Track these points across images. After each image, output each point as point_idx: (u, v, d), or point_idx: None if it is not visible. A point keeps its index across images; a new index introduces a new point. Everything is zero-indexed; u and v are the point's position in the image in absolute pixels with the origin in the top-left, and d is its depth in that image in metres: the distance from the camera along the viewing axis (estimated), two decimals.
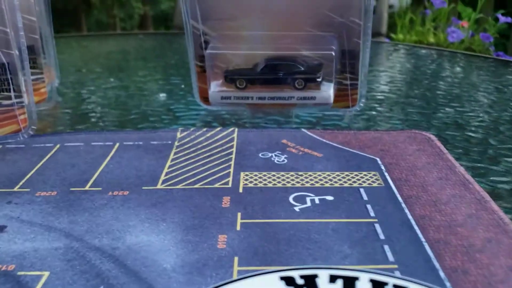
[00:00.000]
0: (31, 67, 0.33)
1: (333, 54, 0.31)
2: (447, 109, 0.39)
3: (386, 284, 0.16)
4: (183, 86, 0.45)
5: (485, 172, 0.27)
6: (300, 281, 0.16)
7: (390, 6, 2.05)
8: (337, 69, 0.33)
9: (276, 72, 0.32)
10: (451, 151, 0.29)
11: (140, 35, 1.04)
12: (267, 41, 0.33)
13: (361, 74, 0.34)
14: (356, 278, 0.16)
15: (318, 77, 0.31)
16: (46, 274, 0.17)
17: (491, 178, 0.26)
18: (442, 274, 0.17)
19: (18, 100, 0.29)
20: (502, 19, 1.86)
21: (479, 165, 0.28)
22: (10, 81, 0.28)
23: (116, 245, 0.19)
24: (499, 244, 0.19)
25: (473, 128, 0.34)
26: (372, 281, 0.16)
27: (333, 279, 0.16)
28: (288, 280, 0.16)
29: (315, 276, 0.16)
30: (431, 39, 1.65)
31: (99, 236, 0.19)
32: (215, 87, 0.33)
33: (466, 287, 0.16)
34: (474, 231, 0.20)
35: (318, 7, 0.32)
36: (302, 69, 0.31)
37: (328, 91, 0.32)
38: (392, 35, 1.77)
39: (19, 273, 0.17)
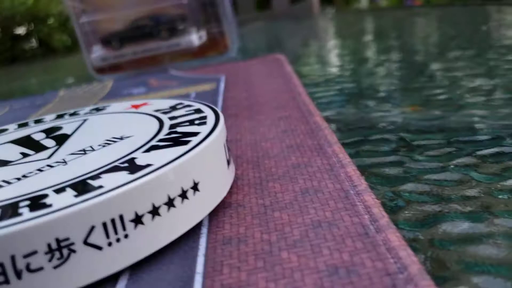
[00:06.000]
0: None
1: (184, 2, 0.35)
2: None
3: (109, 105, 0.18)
4: None
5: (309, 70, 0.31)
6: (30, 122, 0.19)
7: None
8: (202, 19, 0.38)
9: (143, 29, 0.36)
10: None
11: None
12: (135, 5, 0.37)
13: (225, 21, 0.38)
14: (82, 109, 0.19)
15: (179, 26, 0.36)
16: None
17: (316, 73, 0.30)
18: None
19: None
20: None
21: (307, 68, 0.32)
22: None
23: None
24: (280, 99, 0.23)
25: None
26: (93, 108, 0.18)
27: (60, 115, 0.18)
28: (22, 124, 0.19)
29: None
30: None
31: None
32: (96, 53, 0.37)
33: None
34: (267, 94, 0.24)
35: None
36: (164, 21, 0.36)
37: (190, 37, 0.36)
38: None
39: None
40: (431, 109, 0.18)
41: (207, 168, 0.11)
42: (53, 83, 0.48)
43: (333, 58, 0.34)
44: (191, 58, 0.39)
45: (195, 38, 0.36)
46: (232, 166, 0.13)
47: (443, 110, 0.18)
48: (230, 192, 0.13)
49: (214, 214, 0.12)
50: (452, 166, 0.13)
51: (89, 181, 0.10)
